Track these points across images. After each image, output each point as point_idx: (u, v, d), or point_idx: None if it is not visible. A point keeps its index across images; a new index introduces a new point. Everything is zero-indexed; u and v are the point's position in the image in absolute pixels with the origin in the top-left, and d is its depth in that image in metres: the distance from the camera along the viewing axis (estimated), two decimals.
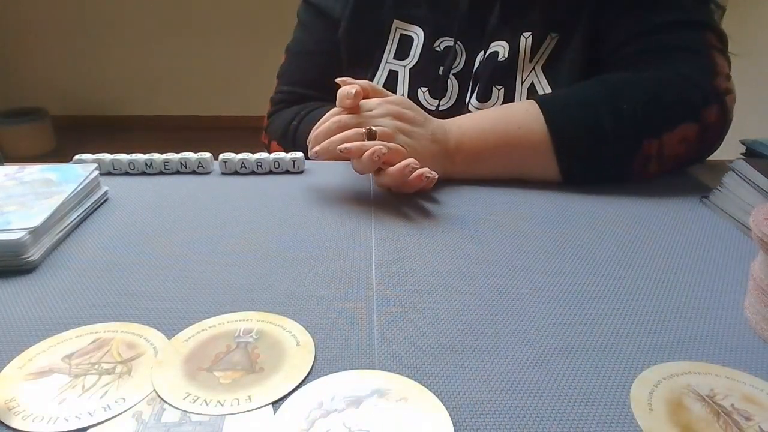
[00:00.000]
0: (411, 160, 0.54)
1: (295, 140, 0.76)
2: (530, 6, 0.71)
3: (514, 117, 0.61)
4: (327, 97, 0.77)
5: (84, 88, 3.32)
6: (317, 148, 0.56)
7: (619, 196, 0.59)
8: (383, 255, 0.48)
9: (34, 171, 0.56)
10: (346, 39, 0.77)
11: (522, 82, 0.72)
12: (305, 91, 0.80)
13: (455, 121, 0.63)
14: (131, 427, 0.30)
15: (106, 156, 0.64)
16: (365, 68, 0.77)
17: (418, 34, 0.75)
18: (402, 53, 0.76)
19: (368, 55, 0.77)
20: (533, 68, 0.71)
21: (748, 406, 0.32)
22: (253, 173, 0.65)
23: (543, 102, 0.61)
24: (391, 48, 0.76)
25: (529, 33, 0.71)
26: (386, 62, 0.76)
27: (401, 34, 0.76)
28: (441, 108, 0.75)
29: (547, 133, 0.59)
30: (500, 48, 0.72)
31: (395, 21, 0.75)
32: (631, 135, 0.59)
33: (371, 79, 0.76)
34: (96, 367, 0.34)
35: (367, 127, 0.56)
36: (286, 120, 0.78)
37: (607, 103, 0.59)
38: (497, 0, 0.72)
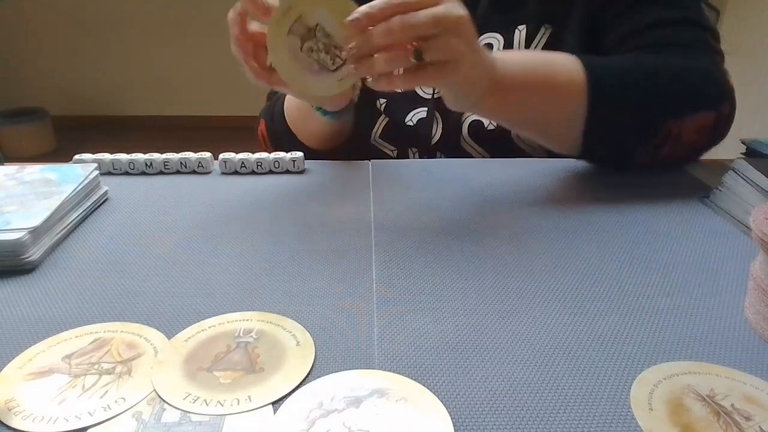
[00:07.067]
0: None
1: (274, 113, 0.77)
2: None
3: (557, 64, 0.60)
4: None
5: (84, 88, 3.32)
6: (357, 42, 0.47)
7: (619, 196, 0.59)
8: (383, 255, 0.48)
9: (34, 171, 0.56)
10: None
11: None
12: None
13: (498, 53, 0.60)
14: (131, 427, 0.30)
15: (106, 156, 0.64)
16: None
17: None
18: None
19: None
20: None
21: (748, 406, 0.32)
22: (253, 173, 0.65)
23: (584, 59, 0.60)
24: None
25: (524, 26, 0.71)
26: None
27: None
28: (436, 98, 0.75)
29: (585, 83, 0.58)
30: (494, 41, 0.72)
31: None
32: (660, 110, 0.59)
33: None
34: (96, 367, 0.34)
35: (415, 46, 0.48)
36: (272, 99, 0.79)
37: (644, 74, 0.59)
38: None
